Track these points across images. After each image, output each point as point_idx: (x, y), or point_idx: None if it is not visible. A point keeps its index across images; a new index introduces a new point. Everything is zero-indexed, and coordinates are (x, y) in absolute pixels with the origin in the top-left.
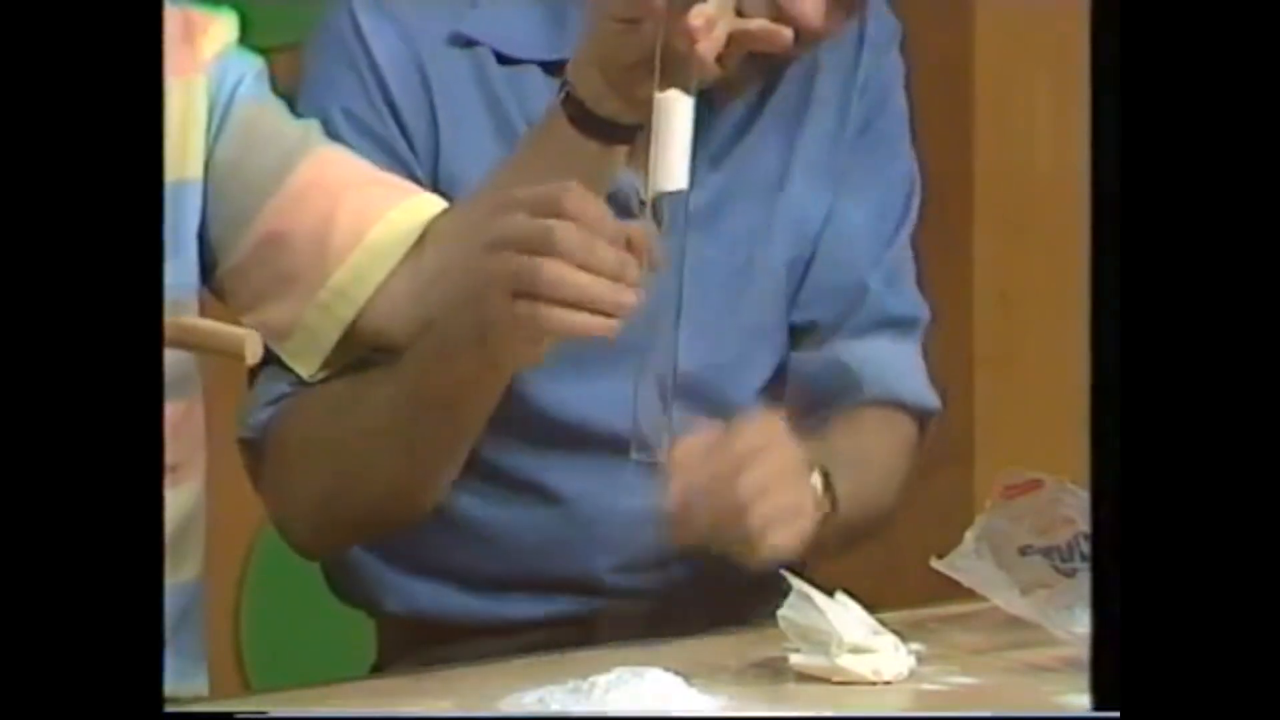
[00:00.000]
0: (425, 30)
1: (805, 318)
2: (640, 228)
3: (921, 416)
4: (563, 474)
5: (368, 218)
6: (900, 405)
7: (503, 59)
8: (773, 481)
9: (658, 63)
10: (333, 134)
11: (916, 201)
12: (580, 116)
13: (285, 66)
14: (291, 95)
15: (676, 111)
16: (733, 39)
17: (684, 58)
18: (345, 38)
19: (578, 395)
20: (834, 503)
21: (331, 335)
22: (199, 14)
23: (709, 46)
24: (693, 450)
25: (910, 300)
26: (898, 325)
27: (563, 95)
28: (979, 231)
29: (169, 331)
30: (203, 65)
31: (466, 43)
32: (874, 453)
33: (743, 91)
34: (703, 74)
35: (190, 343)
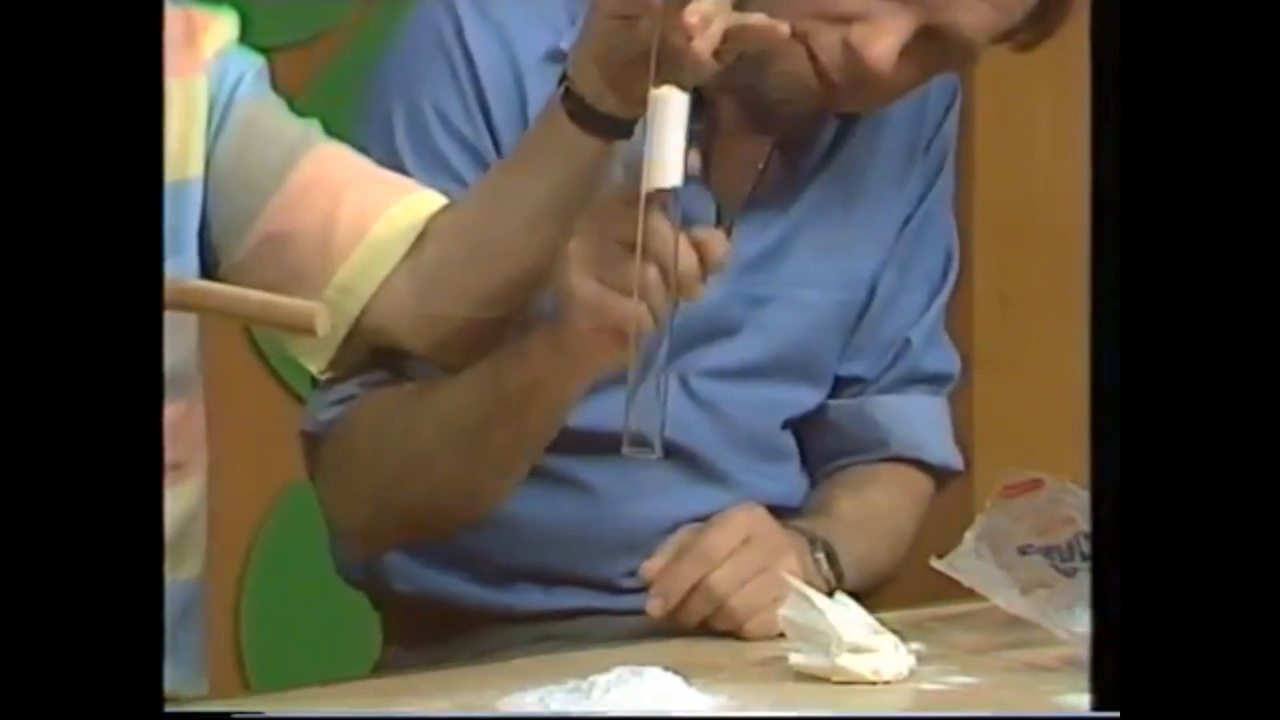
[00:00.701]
0: (525, 42)
1: (851, 371)
2: (716, 235)
3: (941, 476)
4: (585, 472)
5: (369, 214)
6: (922, 465)
7: None
8: (750, 573)
9: (653, 59)
10: (419, 126)
11: (957, 258)
12: (579, 112)
13: (285, 66)
14: (355, 83)
15: (672, 108)
16: (729, 35)
17: (680, 54)
18: (444, 37)
19: (592, 402)
20: (839, 576)
21: (339, 332)
22: (200, 14)
23: (705, 43)
24: (668, 558)
25: (945, 356)
26: (932, 381)
27: (562, 91)
28: (979, 232)
29: (235, 305)
30: (203, 65)
31: (564, 59)
32: (883, 516)
33: (813, 136)
34: (698, 70)
35: (257, 317)
